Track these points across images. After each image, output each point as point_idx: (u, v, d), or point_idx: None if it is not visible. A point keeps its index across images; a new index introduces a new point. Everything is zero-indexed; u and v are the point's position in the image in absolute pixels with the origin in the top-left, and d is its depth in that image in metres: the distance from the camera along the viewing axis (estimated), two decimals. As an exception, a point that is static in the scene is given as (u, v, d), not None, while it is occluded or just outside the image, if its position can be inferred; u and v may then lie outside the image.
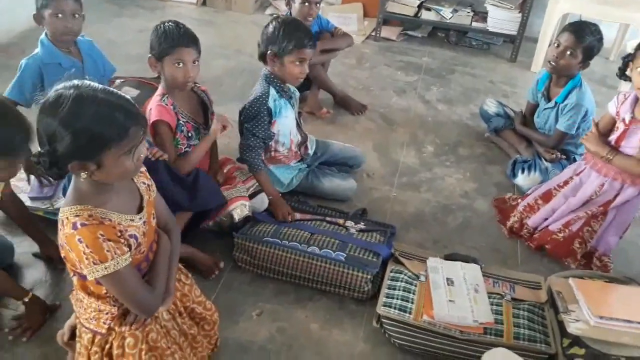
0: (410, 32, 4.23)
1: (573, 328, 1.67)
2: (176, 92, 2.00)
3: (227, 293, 1.97)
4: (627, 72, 2.00)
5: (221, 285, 2.00)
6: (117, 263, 1.25)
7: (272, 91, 2.18)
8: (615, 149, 2.06)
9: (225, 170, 2.30)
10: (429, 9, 3.96)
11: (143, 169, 1.49)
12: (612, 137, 2.08)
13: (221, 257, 2.08)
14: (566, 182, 2.24)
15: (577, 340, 1.67)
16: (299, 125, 2.40)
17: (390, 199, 2.52)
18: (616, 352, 1.63)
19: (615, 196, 2.07)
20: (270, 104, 2.17)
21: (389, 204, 2.48)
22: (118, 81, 2.70)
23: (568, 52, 2.37)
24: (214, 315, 1.69)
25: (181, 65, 1.90)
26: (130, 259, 1.30)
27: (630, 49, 2.01)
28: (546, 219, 2.22)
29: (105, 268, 1.22)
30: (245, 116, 2.19)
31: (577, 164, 2.25)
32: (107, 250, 1.22)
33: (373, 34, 4.14)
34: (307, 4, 2.73)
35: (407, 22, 4.18)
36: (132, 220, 1.34)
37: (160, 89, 2.02)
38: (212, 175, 2.20)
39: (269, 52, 2.12)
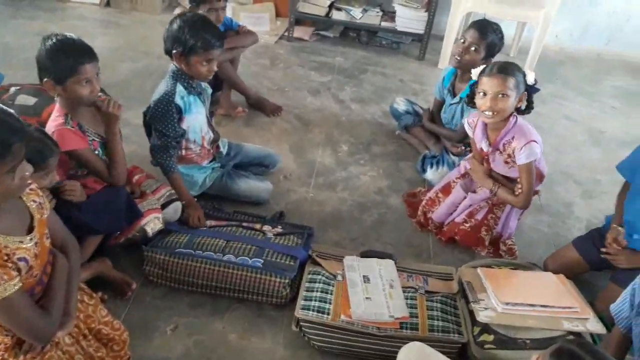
0: (322, 32, 4.26)
1: (482, 316, 1.75)
2: (79, 109, 1.87)
3: (139, 309, 1.88)
4: (475, 99, 2.11)
5: (132, 301, 1.91)
6: (5, 289, 1.16)
7: (180, 88, 2.11)
8: (499, 178, 2.20)
9: (134, 180, 2.19)
10: (339, 9, 4.00)
11: (34, 186, 1.39)
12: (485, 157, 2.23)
13: (133, 273, 1.98)
14: (463, 175, 2.35)
15: (486, 328, 1.75)
16: (209, 123, 2.34)
17: (307, 200, 2.52)
18: (522, 335, 1.73)
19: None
20: (178, 101, 2.09)
21: (306, 205, 2.48)
22: (13, 89, 2.50)
23: (472, 48, 2.48)
24: (123, 335, 1.61)
25: (87, 83, 1.77)
26: (20, 284, 1.21)
27: (475, 76, 2.11)
28: (450, 214, 2.31)
29: None
30: (152, 116, 2.11)
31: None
32: None
33: (286, 34, 4.13)
34: (213, 11, 2.66)
35: (319, 22, 4.21)
36: (21, 242, 1.24)
37: (59, 109, 1.85)
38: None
39: (174, 51, 2.05)
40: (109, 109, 1.84)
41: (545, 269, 2.14)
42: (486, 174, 2.22)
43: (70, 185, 1.79)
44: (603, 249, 2.02)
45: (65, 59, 1.73)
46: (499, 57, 2.63)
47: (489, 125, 2.14)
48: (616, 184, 2.18)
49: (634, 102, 3.80)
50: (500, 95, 1.99)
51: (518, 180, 2.13)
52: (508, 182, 2.19)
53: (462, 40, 2.52)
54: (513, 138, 2.07)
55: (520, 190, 2.11)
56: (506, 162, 2.15)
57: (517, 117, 2.09)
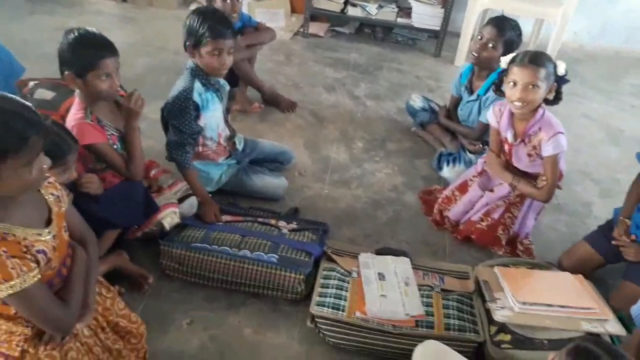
0: (337, 29, 4.25)
1: (499, 316, 1.73)
2: (99, 103, 1.88)
3: (155, 303, 1.89)
4: (502, 87, 2.08)
5: (149, 295, 1.92)
6: (24, 281, 1.16)
7: (197, 84, 2.10)
8: (517, 173, 2.17)
9: (151, 175, 2.20)
10: (355, 5, 3.99)
11: (52, 179, 1.39)
12: (504, 149, 2.19)
13: (150, 267, 1.99)
14: (481, 173, 2.32)
15: (503, 327, 1.73)
16: (226, 120, 2.34)
17: (322, 196, 2.51)
18: (539, 335, 1.71)
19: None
20: (196, 97, 2.09)
21: (321, 201, 2.47)
22: (32, 83, 2.52)
23: (490, 45, 2.45)
24: (140, 328, 1.62)
25: (107, 77, 1.78)
26: (39, 276, 1.22)
27: (504, 64, 2.07)
28: (467, 212, 2.29)
29: (11, 287, 1.14)
30: (169, 112, 2.11)
31: None
32: (12, 268, 1.13)
33: (301, 30, 4.12)
34: (229, 0, 2.66)
35: (334, 19, 4.19)
36: (40, 234, 1.25)
37: (79, 103, 1.86)
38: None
39: (187, 43, 2.05)
40: (130, 105, 1.85)
41: (560, 266, 2.12)
42: (504, 168, 2.20)
43: (87, 178, 1.80)
44: (613, 241, 2.01)
45: (87, 52, 1.75)
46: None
47: (516, 116, 2.10)
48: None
49: (653, 101, 3.74)
50: (531, 87, 1.95)
51: (541, 173, 2.10)
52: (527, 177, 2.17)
53: (479, 37, 2.50)
54: (540, 129, 2.04)
55: (544, 183, 2.08)
56: (529, 155, 2.12)
57: (544, 109, 2.06)
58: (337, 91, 3.43)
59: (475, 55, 2.51)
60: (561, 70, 1.99)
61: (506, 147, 2.20)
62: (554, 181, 2.08)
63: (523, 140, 2.11)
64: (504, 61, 2.07)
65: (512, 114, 2.12)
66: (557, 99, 2.06)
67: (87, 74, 1.76)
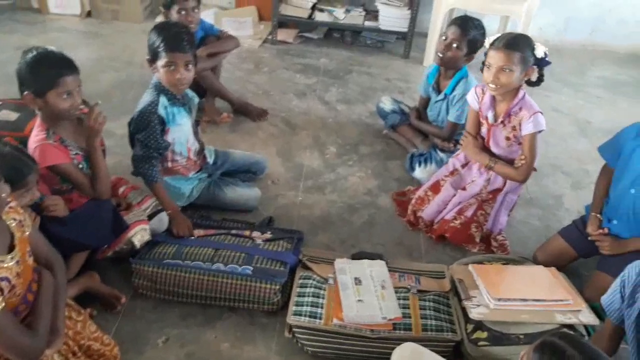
0: (306, 34, 4.25)
1: (474, 313, 1.74)
2: (61, 122, 1.84)
3: (129, 323, 1.85)
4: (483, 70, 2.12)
5: (122, 315, 1.88)
6: (-13, 310, 1.13)
7: (163, 99, 2.08)
8: (494, 154, 2.20)
9: (119, 192, 2.17)
10: (322, 11, 3.99)
11: (13, 204, 1.36)
12: (482, 133, 2.21)
13: (122, 286, 1.95)
14: (452, 173, 2.34)
15: (479, 325, 1.74)
16: (196, 133, 2.31)
17: (296, 203, 2.50)
18: (515, 330, 1.72)
19: (504, 184, 2.20)
20: (161, 111, 2.07)
21: (295, 209, 2.46)
22: (-5, 104, 2.47)
23: (454, 45, 2.48)
24: (113, 350, 1.60)
25: (67, 96, 1.75)
26: (3, 304, 1.18)
27: (487, 45, 2.12)
28: (440, 212, 2.31)
29: None
30: (134, 127, 2.09)
31: (463, 155, 2.37)
32: None
33: (269, 37, 4.11)
34: (183, 12, 2.64)
35: (302, 25, 4.19)
36: (2, 261, 1.22)
37: (40, 124, 1.82)
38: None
39: (147, 58, 2.03)
40: (90, 123, 1.81)
41: (535, 261, 2.14)
42: (480, 149, 2.23)
43: (51, 200, 1.76)
44: (590, 237, 2.03)
45: (45, 71, 1.72)
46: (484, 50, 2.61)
47: (497, 97, 2.15)
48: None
49: (618, 91, 3.82)
50: (504, 70, 2.00)
51: (519, 155, 2.14)
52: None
53: (443, 38, 2.52)
54: (521, 109, 2.10)
55: (522, 162, 2.11)
56: (507, 139, 2.16)
57: (524, 91, 2.11)
58: (308, 97, 3.43)
59: (440, 55, 2.53)
60: (539, 53, 2.04)
61: (485, 129, 2.22)
62: (532, 160, 2.12)
63: (503, 122, 2.14)
64: (488, 43, 2.11)
65: (493, 96, 2.16)
66: (540, 80, 2.12)
67: (47, 93, 1.72)
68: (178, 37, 2.00)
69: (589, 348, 1.06)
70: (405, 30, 3.91)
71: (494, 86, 2.05)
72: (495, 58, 2.02)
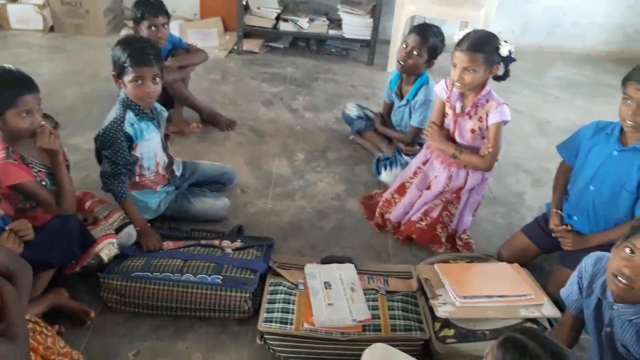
0: (272, 44, 4.28)
1: (441, 312, 1.78)
2: (21, 140, 1.82)
3: (99, 337, 1.84)
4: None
5: (92, 330, 1.86)
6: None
7: (130, 115, 2.07)
8: (459, 145, 2.26)
9: (86, 207, 2.15)
10: (286, 20, 4.03)
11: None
12: (448, 125, 2.28)
13: (91, 301, 1.94)
14: (416, 173, 2.40)
15: (446, 323, 1.79)
16: (164, 147, 2.32)
17: (266, 211, 2.52)
18: (481, 327, 1.77)
19: (465, 182, 2.27)
20: (128, 128, 2.06)
21: (265, 216, 2.48)
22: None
23: (415, 52, 2.54)
24: (83, 365, 1.58)
25: (27, 114, 1.73)
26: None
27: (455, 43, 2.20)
28: (407, 213, 2.36)
29: None
30: (101, 143, 2.08)
31: (423, 153, 2.44)
32: None
33: (235, 47, 4.13)
34: (153, 27, 2.65)
35: (268, 34, 4.23)
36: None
37: (0, 143, 1.80)
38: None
39: (113, 74, 2.03)
40: (42, 145, 1.79)
41: (500, 258, 2.20)
42: (446, 138, 2.29)
43: (19, 226, 1.71)
44: (553, 234, 2.10)
45: (3, 91, 1.70)
46: (445, 56, 2.65)
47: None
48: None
49: (575, 91, 3.96)
50: (468, 70, 2.08)
51: (486, 141, 2.20)
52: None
53: (404, 45, 2.58)
54: (487, 100, 2.17)
55: (489, 151, 2.18)
56: (472, 131, 2.22)
57: (489, 87, 2.18)
58: (275, 106, 3.46)
59: (402, 63, 2.59)
60: (504, 52, 2.10)
61: (451, 121, 2.28)
62: (497, 150, 2.19)
63: (469, 113, 2.21)
64: (455, 39, 2.16)
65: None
66: (506, 75, 2.20)
67: (6, 112, 1.71)
68: (144, 52, 2.01)
69: (549, 341, 1.10)
70: (369, 38, 3.98)
71: (459, 85, 2.13)
72: (460, 59, 2.09)
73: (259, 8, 4.02)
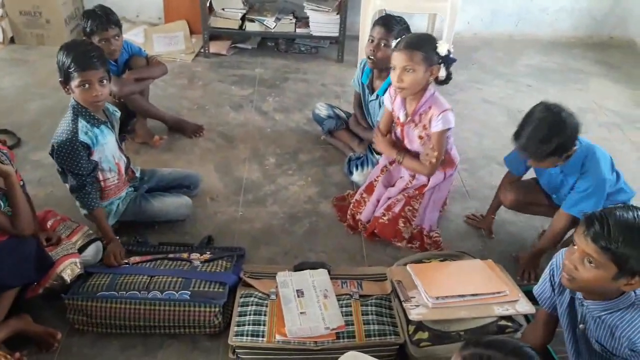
0: (240, 45, 4.20)
1: (414, 314, 1.75)
2: None
3: (66, 361, 1.79)
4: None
5: (59, 353, 1.81)
6: None
7: (82, 123, 2.02)
8: (403, 149, 2.27)
9: (48, 226, 2.08)
10: (252, 21, 3.96)
11: None
12: (398, 133, 2.27)
13: (58, 323, 1.88)
14: (382, 172, 2.39)
15: (420, 326, 1.76)
16: (120, 148, 2.27)
17: (236, 219, 2.47)
18: (455, 327, 1.75)
19: (427, 180, 2.25)
20: (83, 138, 2.01)
21: (236, 224, 2.43)
22: None
23: (382, 44, 2.51)
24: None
25: None
26: None
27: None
28: (374, 211, 2.33)
29: None
30: (58, 158, 2.03)
31: None
32: None
33: (202, 50, 4.06)
34: (104, 41, 2.56)
35: (235, 35, 4.15)
36: None
37: None
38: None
39: (60, 80, 1.97)
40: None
41: (504, 201, 2.27)
42: (390, 145, 2.30)
43: None
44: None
45: None
46: None
47: (407, 98, 2.20)
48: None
49: (546, 79, 3.95)
50: (406, 70, 2.05)
51: (430, 147, 2.18)
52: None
53: (370, 40, 2.55)
54: (430, 107, 2.15)
55: (431, 157, 2.17)
56: (420, 138, 2.22)
57: (434, 90, 2.15)
58: (244, 109, 3.39)
59: (372, 58, 2.55)
60: (442, 51, 2.07)
61: (399, 129, 2.28)
62: (440, 156, 2.19)
63: (413, 120, 2.19)
64: (393, 46, 2.15)
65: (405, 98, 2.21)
66: (448, 78, 2.16)
67: None
68: (87, 55, 1.95)
69: (508, 343, 1.07)
70: (337, 34, 3.93)
71: (400, 87, 2.10)
72: (398, 59, 2.06)
73: (223, 9, 3.94)
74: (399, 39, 2.11)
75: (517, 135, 1.91)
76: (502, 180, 2.26)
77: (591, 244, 1.29)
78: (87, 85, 1.95)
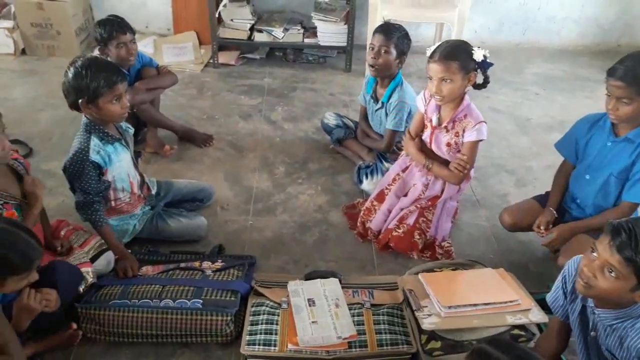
0: (248, 55, 4.24)
1: (426, 324, 1.75)
2: None
3: (78, 371, 1.79)
4: None
5: (71, 364, 1.82)
6: None
7: (95, 142, 2.02)
8: (432, 156, 2.25)
9: (61, 235, 2.09)
10: (260, 31, 3.99)
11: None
12: (425, 136, 2.26)
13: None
14: (394, 180, 2.38)
15: (433, 335, 1.75)
16: (136, 166, 2.27)
17: (247, 228, 2.47)
18: (467, 337, 1.74)
19: (441, 192, 2.24)
20: (94, 157, 2.00)
21: (246, 233, 2.44)
22: None
23: (383, 51, 2.53)
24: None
25: None
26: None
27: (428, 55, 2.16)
28: (386, 220, 2.34)
29: None
30: (69, 175, 2.03)
31: (402, 160, 2.42)
32: None
33: (211, 61, 4.09)
34: (122, 45, 2.60)
35: (243, 46, 4.19)
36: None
37: None
38: (47, 245, 1.97)
39: (80, 101, 1.97)
40: (31, 188, 1.78)
41: (503, 223, 2.25)
42: (420, 150, 2.29)
43: (44, 295, 1.64)
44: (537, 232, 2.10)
45: None
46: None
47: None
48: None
49: (554, 87, 3.95)
50: (444, 81, 2.05)
51: (463, 156, 2.18)
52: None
53: (371, 48, 2.57)
54: (465, 116, 2.15)
55: (461, 168, 2.17)
56: (448, 145, 2.20)
57: (469, 100, 2.15)
58: (253, 118, 3.41)
59: (373, 67, 2.57)
60: (478, 57, 2.07)
61: (429, 132, 2.26)
62: (471, 166, 2.19)
63: (446, 127, 2.18)
64: (428, 52, 2.13)
65: None
66: (486, 82, 2.17)
67: None
68: (114, 70, 1.98)
69: (517, 349, 1.08)
70: (345, 44, 3.95)
71: (438, 97, 2.10)
72: (434, 70, 2.06)
73: (232, 20, 3.98)
74: (434, 49, 2.08)
75: (612, 71, 1.87)
76: (558, 168, 2.20)
77: (616, 255, 1.27)
78: (117, 99, 1.98)
